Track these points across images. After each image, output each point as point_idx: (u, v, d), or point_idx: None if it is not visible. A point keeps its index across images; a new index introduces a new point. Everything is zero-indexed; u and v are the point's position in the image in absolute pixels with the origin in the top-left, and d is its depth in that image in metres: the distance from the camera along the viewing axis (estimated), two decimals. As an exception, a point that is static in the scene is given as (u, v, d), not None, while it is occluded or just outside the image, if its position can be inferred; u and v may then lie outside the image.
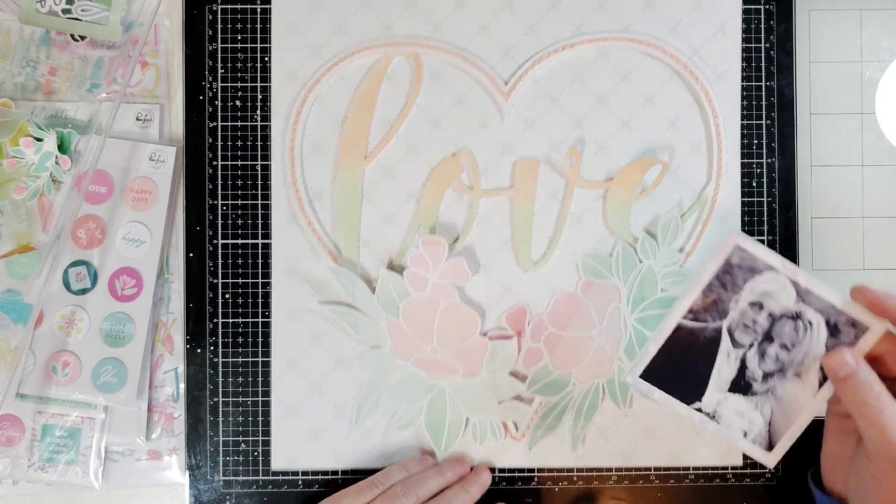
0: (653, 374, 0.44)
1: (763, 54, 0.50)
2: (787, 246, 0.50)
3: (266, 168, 0.50)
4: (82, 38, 0.50)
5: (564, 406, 0.50)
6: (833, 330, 0.42)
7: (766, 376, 0.43)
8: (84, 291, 0.49)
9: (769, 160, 0.50)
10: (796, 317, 0.43)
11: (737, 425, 0.44)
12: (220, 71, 0.50)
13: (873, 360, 0.42)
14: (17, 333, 0.48)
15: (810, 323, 0.42)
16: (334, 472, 0.50)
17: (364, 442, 0.50)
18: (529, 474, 0.50)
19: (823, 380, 0.43)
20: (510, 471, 0.50)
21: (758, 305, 0.43)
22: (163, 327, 0.50)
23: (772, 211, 0.50)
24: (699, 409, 0.44)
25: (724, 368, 0.44)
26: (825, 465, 0.45)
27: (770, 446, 0.44)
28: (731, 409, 0.44)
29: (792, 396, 0.43)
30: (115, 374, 0.49)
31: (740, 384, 0.44)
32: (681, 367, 0.44)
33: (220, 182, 0.50)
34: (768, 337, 0.43)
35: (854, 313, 0.42)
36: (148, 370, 0.50)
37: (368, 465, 0.50)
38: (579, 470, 0.50)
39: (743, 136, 0.50)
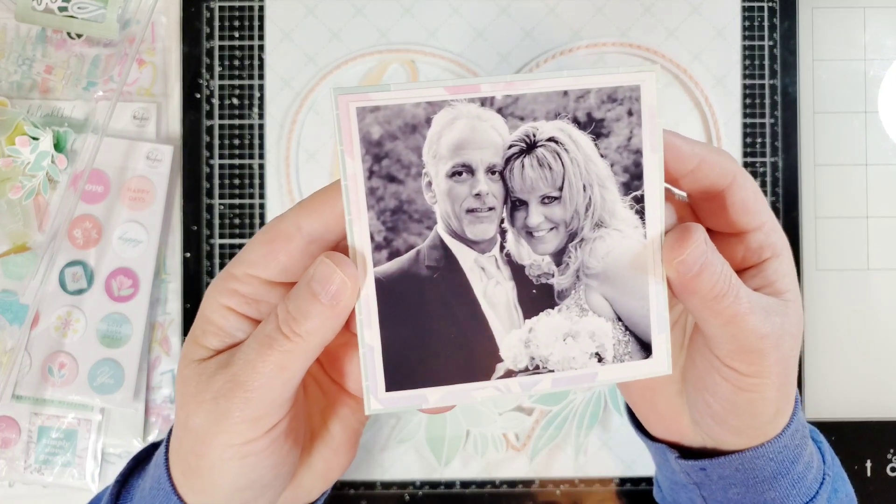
0: (404, 373, 0.26)
1: (766, 52, 0.50)
2: (791, 246, 0.50)
3: (263, 167, 0.50)
4: (79, 35, 0.49)
5: (566, 416, 0.49)
6: (593, 127, 0.26)
7: (560, 258, 0.27)
8: (80, 292, 0.49)
9: (773, 159, 0.50)
10: (529, 146, 0.26)
11: (579, 356, 0.27)
12: (217, 69, 0.49)
13: None
14: (13, 334, 0.48)
15: (553, 140, 0.26)
16: (333, 485, 0.49)
17: (364, 455, 0.49)
18: (531, 487, 0.49)
19: (641, 208, 0.27)
20: (512, 483, 0.49)
21: (464, 170, 0.26)
22: (159, 328, 0.50)
23: (775, 211, 0.50)
24: (510, 373, 0.27)
25: (492, 291, 0.27)
26: (639, 410, 0.36)
27: (646, 348, 0.28)
28: (552, 338, 0.27)
29: (616, 260, 0.27)
30: (111, 375, 0.48)
31: (534, 296, 0.27)
32: (435, 334, 0.26)
33: (217, 181, 0.49)
34: (516, 204, 0.26)
35: (601, 83, 0.26)
36: (145, 371, 0.49)
37: (367, 478, 0.49)
38: (581, 480, 0.49)
39: (746, 135, 0.50)
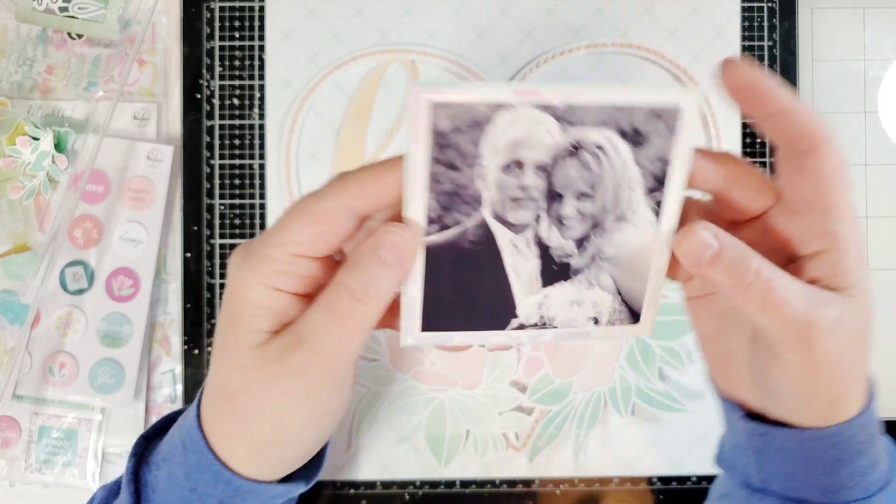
0: (437, 318, 0.31)
1: (766, 53, 0.50)
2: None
3: (264, 167, 0.50)
4: (79, 36, 0.49)
5: (566, 415, 0.49)
6: (634, 138, 0.29)
7: (581, 243, 0.31)
8: (81, 292, 0.49)
9: (772, 159, 0.50)
10: (575, 149, 0.29)
11: (580, 318, 0.32)
12: (217, 69, 0.50)
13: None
14: (13, 334, 0.48)
15: (599, 147, 0.29)
16: (333, 485, 0.49)
17: (364, 455, 0.49)
18: (531, 487, 0.50)
19: (657, 206, 0.31)
20: (512, 482, 0.49)
21: (515, 164, 0.29)
22: (160, 328, 0.50)
23: (775, 210, 0.50)
24: (521, 326, 0.32)
25: (520, 265, 0.31)
26: (711, 366, 0.36)
27: (635, 316, 0.33)
28: (561, 303, 0.32)
29: (628, 249, 0.31)
30: (112, 375, 0.48)
31: (553, 271, 0.31)
32: (466, 292, 0.31)
33: (217, 181, 0.49)
34: (553, 196, 0.30)
35: (648, 100, 0.28)
36: (145, 371, 0.49)
37: (368, 478, 0.49)
38: (581, 480, 0.50)
39: (746, 135, 0.50)
